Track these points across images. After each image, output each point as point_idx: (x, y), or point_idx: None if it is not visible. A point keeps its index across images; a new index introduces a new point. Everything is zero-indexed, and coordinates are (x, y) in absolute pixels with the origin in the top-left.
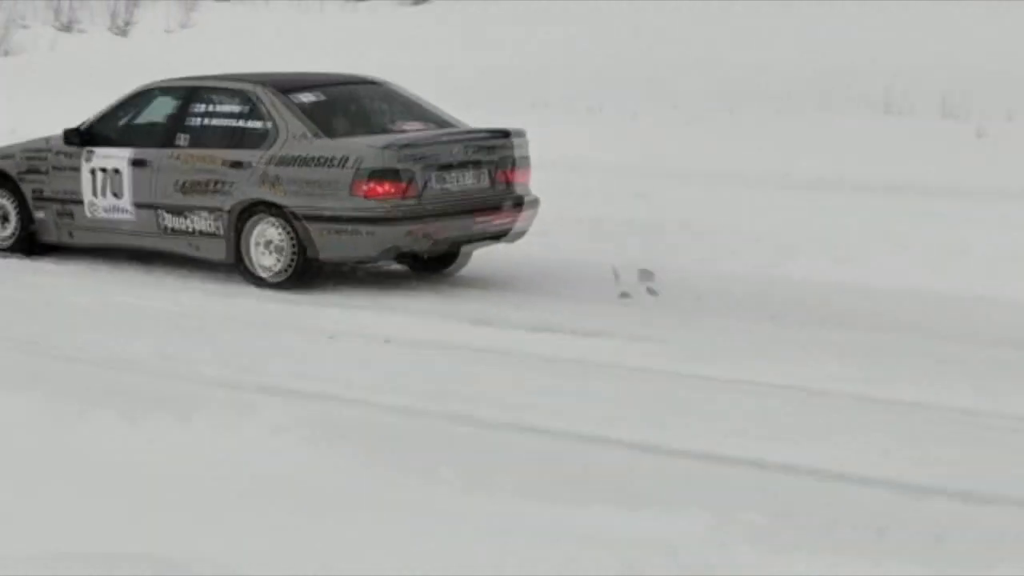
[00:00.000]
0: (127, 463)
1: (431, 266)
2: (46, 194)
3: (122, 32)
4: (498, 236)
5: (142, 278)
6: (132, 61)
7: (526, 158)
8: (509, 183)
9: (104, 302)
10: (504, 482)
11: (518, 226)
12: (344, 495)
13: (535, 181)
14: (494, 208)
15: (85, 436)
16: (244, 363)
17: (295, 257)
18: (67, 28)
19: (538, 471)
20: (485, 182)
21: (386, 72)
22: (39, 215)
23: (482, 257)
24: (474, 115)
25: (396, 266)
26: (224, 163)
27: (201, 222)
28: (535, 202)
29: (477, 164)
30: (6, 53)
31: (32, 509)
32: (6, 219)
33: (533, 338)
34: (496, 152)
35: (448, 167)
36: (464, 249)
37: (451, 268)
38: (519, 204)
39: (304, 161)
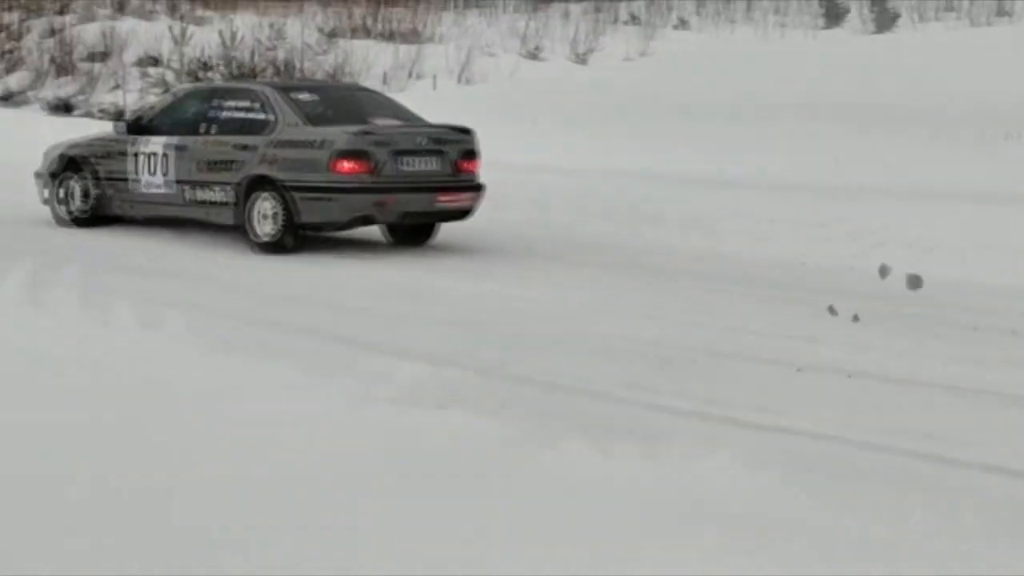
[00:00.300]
0: (600, 495)
1: (410, 239)
2: (104, 175)
3: (581, 60)
4: (462, 214)
5: (617, 306)
6: (585, 88)
7: (479, 151)
8: (468, 171)
9: (581, 330)
10: (974, 525)
11: (475, 207)
12: (812, 532)
13: None
14: (457, 190)
15: (555, 464)
16: (708, 395)
17: (284, 222)
18: (533, 56)
19: (1011, 515)
20: (448, 168)
21: (833, 98)
22: (99, 192)
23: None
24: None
25: (381, 237)
26: (236, 146)
27: (216, 194)
28: (485, 188)
29: (440, 153)
30: (467, 81)
31: (500, 539)
32: (72, 196)
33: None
34: (457, 145)
35: (410, 152)
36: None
37: (428, 240)
38: (478, 188)
39: (294, 144)
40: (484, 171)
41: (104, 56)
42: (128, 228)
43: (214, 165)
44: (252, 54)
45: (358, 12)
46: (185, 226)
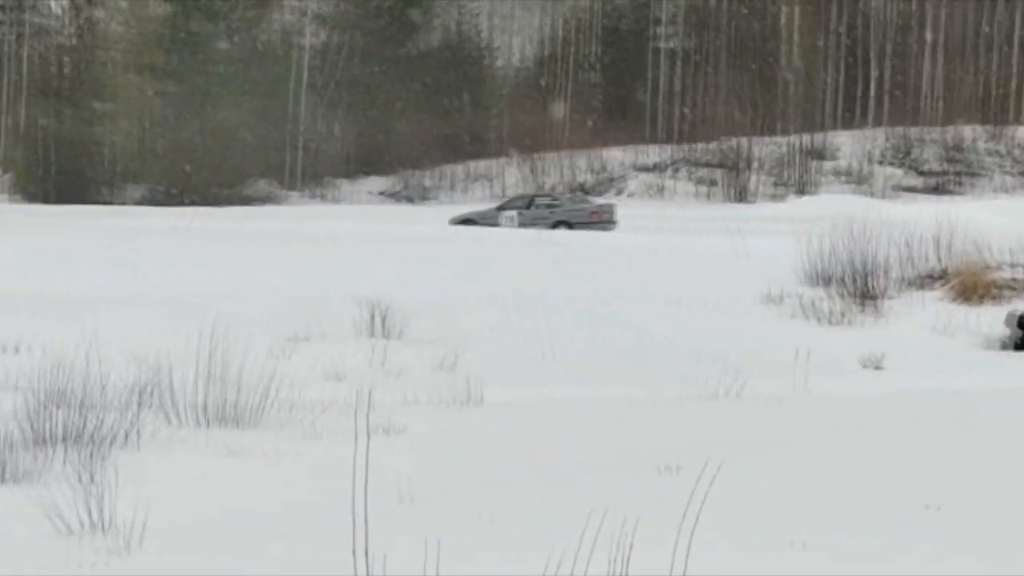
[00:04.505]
0: None
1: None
2: (482, 222)
3: None
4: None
5: None
6: None
7: (615, 209)
8: (612, 218)
9: None
10: None
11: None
12: None
13: None
14: (614, 221)
15: None
16: None
17: None
18: None
19: None
20: (613, 216)
21: None
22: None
23: None
24: None
25: None
26: (550, 211)
27: (543, 223)
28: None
29: (610, 211)
30: None
31: None
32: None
33: None
34: (612, 208)
35: (601, 212)
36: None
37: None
38: (615, 223)
39: (571, 210)
40: None
41: None
42: None
43: (538, 218)
44: None
45: None
46: None
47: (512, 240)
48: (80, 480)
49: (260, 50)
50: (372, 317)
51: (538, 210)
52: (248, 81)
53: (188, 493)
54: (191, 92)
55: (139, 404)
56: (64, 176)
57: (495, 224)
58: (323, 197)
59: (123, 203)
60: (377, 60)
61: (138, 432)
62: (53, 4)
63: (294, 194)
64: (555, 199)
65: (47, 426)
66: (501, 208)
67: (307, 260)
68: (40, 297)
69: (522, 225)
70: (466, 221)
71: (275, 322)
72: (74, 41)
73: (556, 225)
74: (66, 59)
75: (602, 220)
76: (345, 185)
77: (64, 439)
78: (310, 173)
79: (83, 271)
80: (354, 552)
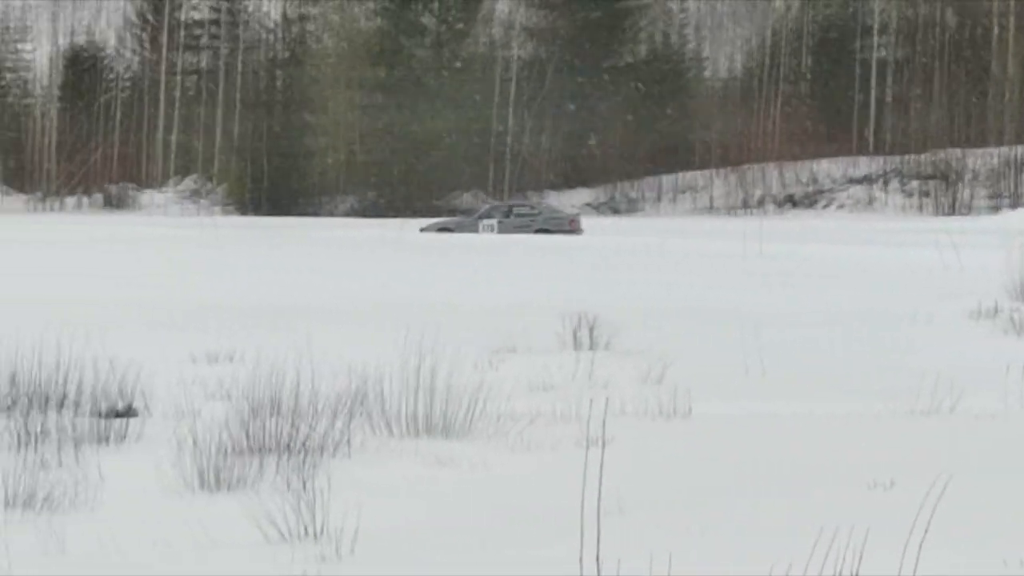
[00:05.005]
0: None
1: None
2: (458, 230)
3: None
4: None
5: None
6: None
7: (579, 217)
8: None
9: None
10: None
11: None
12: None
13: None
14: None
15: None
16: None
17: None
18: None
19: None
20: (580, 226)
21: None
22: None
23: None
24: None
25: None
26: (528, 219)
27: (523, 232)
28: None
29: (575, 219)
30: None
31: None
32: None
33: None
34: (579, 219)
35: (573, 221)
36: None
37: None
38: (580, 231)
39: (551, 218)
40: None
41: None
42: None
43: (519, 227)
44: None
45: None
46: None
47: (712, 253)
48: (291, 488)
49: (468, 63)
50: (578, 328)
51: (518, 219)
52: (455, 93)
53: (399, 501)
54: (399, 105)
55: (349, 413)
56: (274, 188)
57: (473, 232)
58: None
59: (331, 214)
60: (584, 72)
61: (348, 441)
62: (267, 20)
63: None
64: (533, 207)
65: (259, 435)
66: (481, 217)
67: (520, 270)
68: (255, 307)
69: (502, 233)
70: (443, 229)
71: (482, 333)
72: (286, 55)
73: (537, 232)
74: (278, 73)
75: (576, 229)
76: (552, 196)
77: (276, 448)
78: (517, 185)
79: (291, 281)
80: (581, 560)
